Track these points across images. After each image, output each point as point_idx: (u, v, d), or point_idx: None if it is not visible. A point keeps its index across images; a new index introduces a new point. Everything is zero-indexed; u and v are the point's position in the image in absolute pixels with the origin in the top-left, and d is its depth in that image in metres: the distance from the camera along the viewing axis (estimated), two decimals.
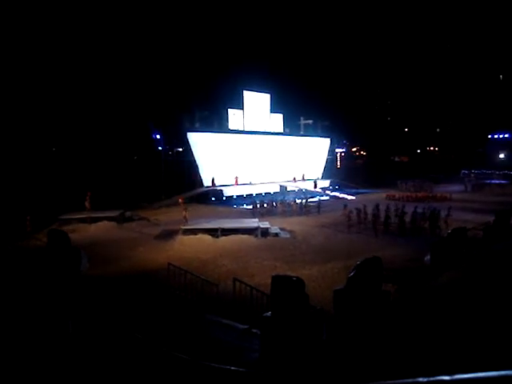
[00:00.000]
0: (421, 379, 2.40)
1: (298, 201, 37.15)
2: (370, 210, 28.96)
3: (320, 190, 47.12)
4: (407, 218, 27.92)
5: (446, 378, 2.35)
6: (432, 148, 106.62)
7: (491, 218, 22.64)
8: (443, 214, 27.38)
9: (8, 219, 26.70)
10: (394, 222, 27.77)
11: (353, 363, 8.18)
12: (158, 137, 48.27)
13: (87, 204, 32.16)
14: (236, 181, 45.59)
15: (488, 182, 60.08)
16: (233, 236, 25.23)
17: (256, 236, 25.51)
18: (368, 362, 8.07)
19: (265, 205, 36.89)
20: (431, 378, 2.38)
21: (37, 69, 71.21)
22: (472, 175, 66.87)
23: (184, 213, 28.55)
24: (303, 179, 52.07)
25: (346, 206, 30.24)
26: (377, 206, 28.20)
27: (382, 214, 27.71)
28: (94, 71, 74.57)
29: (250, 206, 37.04)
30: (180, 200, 30.21)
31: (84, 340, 10.32)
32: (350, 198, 43.45)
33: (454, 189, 50.30)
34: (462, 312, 10.60)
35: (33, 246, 21.39)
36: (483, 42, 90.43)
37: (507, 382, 2.24)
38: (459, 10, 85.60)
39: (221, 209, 36.66)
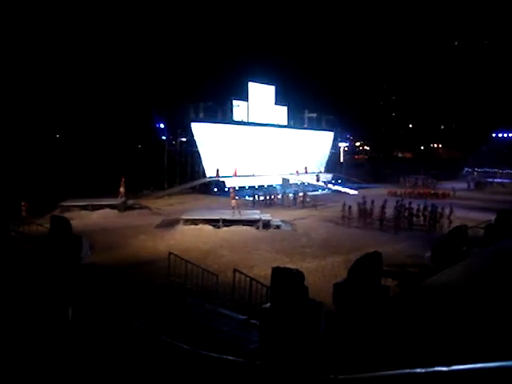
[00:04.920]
0: (419, 370, 2.42)
1: (301, 194, 37.10)
2: (372, 205, 29.03)
3: (322, 184, 47.04)
4: (406, 213, 28.03)
5: (444, 368, 2.36)
6: (436, 145, 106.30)
7: (493, 217, 22.61)
8: (446, 211, 27.31)
9: (3, 205, 26.70)
10: (397, 217, 27.79)
11: (351, 355, 8.21)
12: (162, 126, 48.16)
13: (122, 189, 32.21)
14: (235, 172, 45.41)
15: (491, 180, 60.03)
16: (234, 227, 25.24)
17: (257, 228, 25.50)
18: (367, 354, 8.10)
19: (267, 197, 36.94)
20: (429, 369, 2.39)
21: (43, 58, 71.14)
22: (475, 173, 66.76)
23: (233, 201, 28.22)
24: (306, 172, 51.92)
25: (364, 198, 30.00)
26: (385, 202, 28.14)
27: (386, 210, 27.71)
28: (100, 60, 74.43)
29: (252, 198, 37.07)
30: (231, 190, 30.16)
31: (83, 327, 10.36)
32: (352, 192, 43.39)
33: (456, 186, 50.15)
34: (459, 309, 10.61)
35: (33, 231, 21.41)
36: (489, 39, 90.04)
37: (502, 373, 2.26)
38: (466, 8, 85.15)
39: (223, 200, 36.63)
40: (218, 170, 43.71)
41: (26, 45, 69.56)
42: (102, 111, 73.55)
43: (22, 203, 26.76)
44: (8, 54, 67.93)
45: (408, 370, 2.52)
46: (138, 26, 76.32)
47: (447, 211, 27.12)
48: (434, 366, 2.41)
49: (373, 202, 29.22)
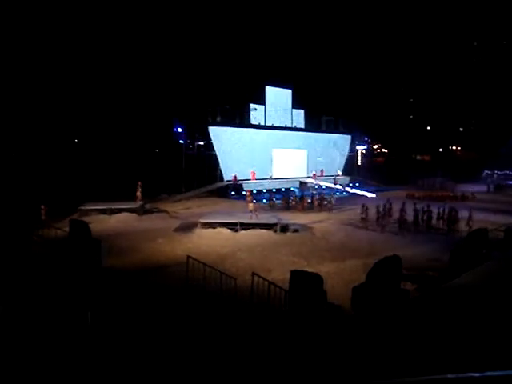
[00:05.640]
0: (450, 375, 2.35)
1: (318, 197, 36.99)
2: (390, 208, 28.89)
3: (340, 187, 46.85)
4: (425, 216, 27.85)
5: (476, 374, 2.29)
6: (454, 147, 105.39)
7: None
8: (465, 214, 26.96)
9: (23, 208, 27.08)
10: (416, 220, 27.63)
11: (372, 359, 8.13)
12: (179, 130, 48.35)
13: (138, 194, 32.54)
14: (253, 175, 45.49)
15: (511, 183, 59.24)
16: (252, 230, 25.22)
17: (275, 231, 25.46)
18: (387, 359, 8.01)
19: (284, 200, 36.95)
20: (460, 375, 2.32)
21: (63, 63, 71.98)
22: (495, 176, 65.99)
23: (251, 205, 28.19)
24: (323, 175, 51.77)
25: (388, 200, 29.86)
26: (403, 205, 27.91)
27: (405, 213, 27.49)
28: (118, 65, 75.04)
29: (270, 201, 37.09)
30: (247, 193, 30.29)
31: (102, 331, 10.42)
32: (370, 195, 43.16)
33: (475, 189, 49.59)
34: (480, 312, 10.47)
35: (52, 235, 21.60)
36: (508, 40, 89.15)
37: None
38: (485, 9, 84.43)
39: (240, 203, 36.63)
40: (235, 177, 43.78)
41: (48, 50, 70.47)
42: (120, 116, 74.09)
43: (42, 207, 27.02)
44: (29, 59, 68.91)
45: (438, 376, 2.45)
46: (156, 30, 76.89)
47: (466, 214, 26.75)
48: (466, 372, 2.34)
49: (391, 204, 29.08)
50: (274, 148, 49.57)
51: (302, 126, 53.61)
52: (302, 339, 9.56)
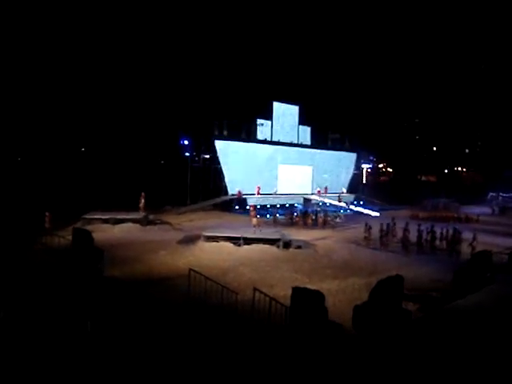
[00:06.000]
0: None
1: (322, 214, 36.98)
2: (394, 228, 28.84)
3: (344, 205, 46.75)
4: (428, 237, 27.75)
5: None
6: (460, 168, 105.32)
7: None
8: (469, 236, 26.82)
9: (28, 215, 27.19)
10: (419, 241, 27.52)
11: (372, 380, 8.07)
12: (185, 143, 48.55)
13: (141, 205, 32.72)
14: (258, 191, 45.50)
15: None
16: (255, 245, 25.13)
17: (278, 247, 25.38)
18: (388, 380, 7.95)
19: (288, 216, 36.92)
20: None
21: (70, 72, 72.54)
22: (500, 198, 65.74)
23: (254, 220, 28.35)
24: (328, 193, 51.73)
25: (393, 219, 29.84)
26: (407, 225, 27.79)
27: (409, 233, 27.40)
28: (126, 76, 75.50)
29: (273, 217, 37.05)
30: (251, 208, 30.32)
31: (102, 340, 10.40)
32: (373, 214, 43.05)
33: (480, 211, 49.46)
34: (482, 336, 10.39)
35: (55, 243, 21.61)
36: None
37: None
38: (493, 30, 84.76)
39: (244, 217, 36.58)
40: (240, 192, 43.84)
41: (57, 60, 71.05)
42: (127, 127, 74.41)
43: (46, 214, 27.11)
44: (39, 67, 69.47)
45: None
46: (165, 43, 77.45)
47: (471, 236, 26.60)
48: None
49: (394, 224, 29.05)
50: (280, 164, 49.62)
51: (308, 143, 53.67)
52: (301, 357, 9.50)
